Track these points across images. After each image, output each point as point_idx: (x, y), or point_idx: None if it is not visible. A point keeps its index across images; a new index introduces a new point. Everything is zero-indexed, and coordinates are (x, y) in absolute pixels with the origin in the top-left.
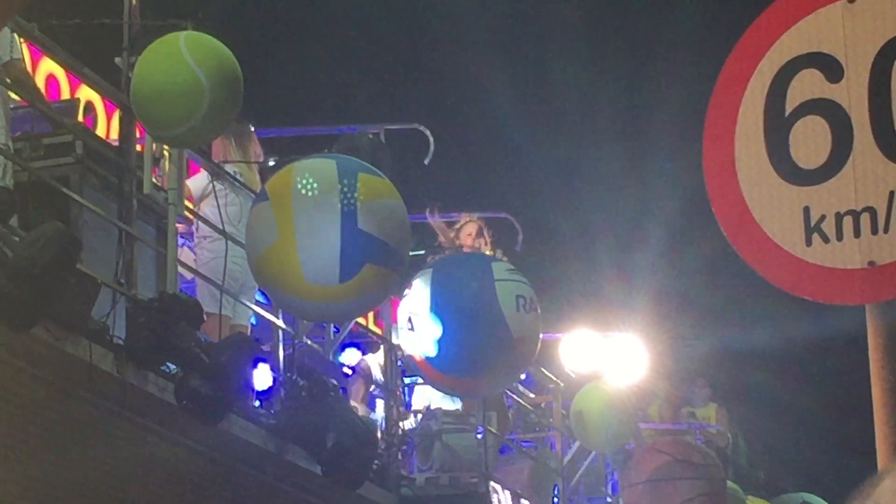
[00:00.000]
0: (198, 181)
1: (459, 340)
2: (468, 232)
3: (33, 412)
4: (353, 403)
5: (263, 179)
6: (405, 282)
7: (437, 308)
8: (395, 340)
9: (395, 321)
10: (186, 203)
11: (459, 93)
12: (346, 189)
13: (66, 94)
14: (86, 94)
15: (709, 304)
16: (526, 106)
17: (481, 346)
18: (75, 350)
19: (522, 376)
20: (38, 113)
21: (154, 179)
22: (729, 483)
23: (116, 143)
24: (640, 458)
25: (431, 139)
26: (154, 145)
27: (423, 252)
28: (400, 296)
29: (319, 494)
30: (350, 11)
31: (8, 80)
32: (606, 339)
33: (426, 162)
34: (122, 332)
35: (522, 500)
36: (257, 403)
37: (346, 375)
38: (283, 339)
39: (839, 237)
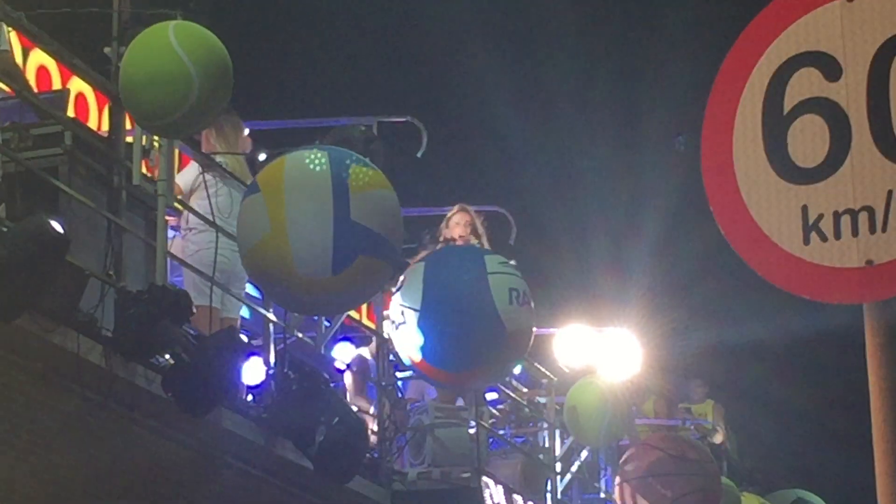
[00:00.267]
0: (187, 175)
1: (452, 334)
2: (456, 221)
3: (20, 404)
4: (351, 398)
5: (254, 172)
6: (398, 274)
7: (430, 301)
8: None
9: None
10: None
11: (453, 86)
12: (338, 180)
13: (57, 86)
14: (77, 85)
15: (703, 299)
16: (520, 99)
17: (474, 340)
18: (63, 341)
19: (517, 371)
20: (26, 103)
21: (145, 171)
22: (724, 479)
23: (106, 134)
24: (635, 453)
25: (424, 132)
26: (144, 136)
27: (414, 245)
28: (393, 289)
29: (310, 489)
30: (343, 3)
31: None
32: (600, 333)
33: (419, 155)
34: (111, 324)
35: (515, 495)
36: (250, 398)
37: (340, 371)
38: (275, 333)
39: (837, 236)
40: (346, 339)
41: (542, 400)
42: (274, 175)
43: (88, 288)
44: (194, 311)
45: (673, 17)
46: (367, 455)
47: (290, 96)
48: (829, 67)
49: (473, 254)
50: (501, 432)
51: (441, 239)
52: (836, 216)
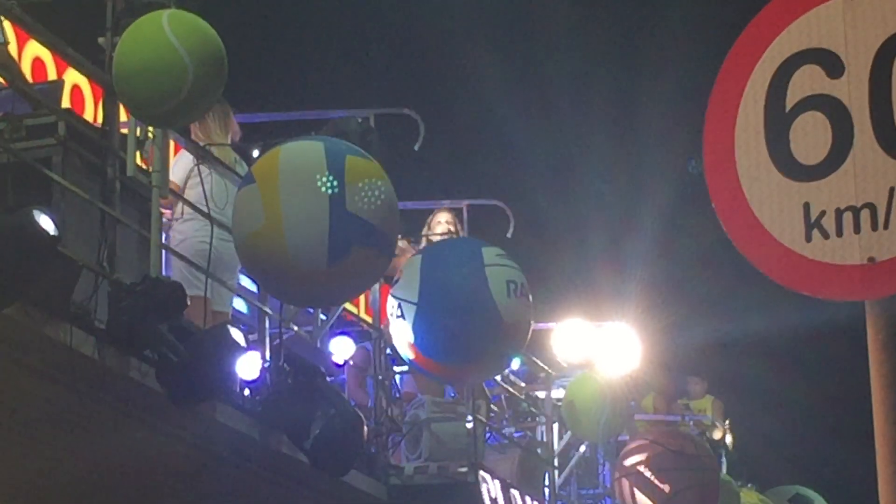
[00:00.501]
0: (178, 169)
1: (448, 326)
2: (438, 220)
3: (11, 396)
4: (351, 392)
5: (248, 163)
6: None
7: (427, 293)
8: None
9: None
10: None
11: (451, 79)
12: (333, 171)
13: (52, 78)
14: (73, 77)
15: (702, 294)
16: (518, 93)
17: (471, 333)
18: (56, 333)
19: (515, 366)
20: (19, 94)
21: (139, 162)
22: (722, 475)
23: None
24: (633, 448)
25: (422, 124)
26: (138, 127)
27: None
28: (390, 282)
29: (305, 483)
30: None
31: None
32: (599, 328)
33: (416, 147)
34: (105, 316)
35: (512, 490)
36: (247, 392)
37: (338, 365)
38: (270, 326)
39: (839, 233)
40: (343, 333)
41: (541, 395)
42: (269, 166)
43: (82, 280)
44: (188, 302)
45: (673, 10)
46: (364, 449)
47: (287, 88)
48: (832, 64)
49: (471, 246)
50: (504, 429)
51: (423, 238)
52: (839, 213)
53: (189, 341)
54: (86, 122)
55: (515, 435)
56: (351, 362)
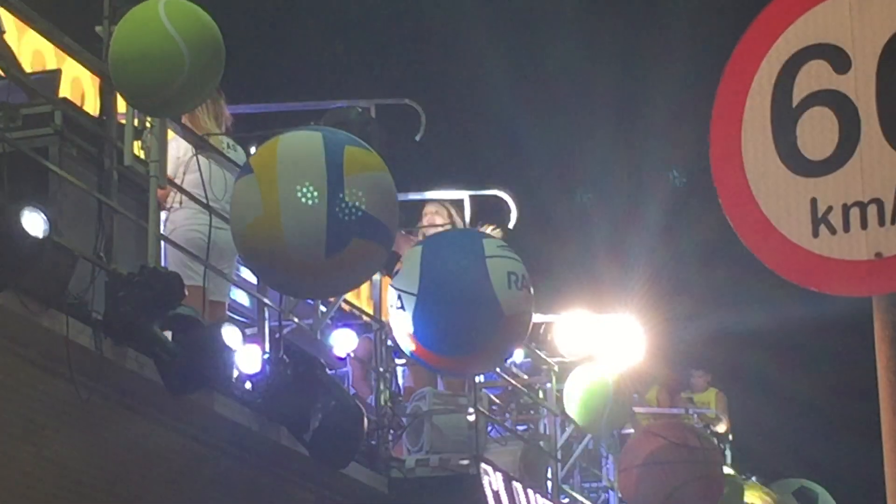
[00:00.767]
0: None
1: (449, 318)
2: (426, 211)
3: (8, 388)
4: (354, 384)
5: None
6: (393, 258)
7: (427, 285)
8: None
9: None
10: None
11: (454, 69)
12: (332, 162)
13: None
14: (73, 70)
15: (706, 287)
16: (521, 84)
17: (472, 324)
18: (52, 324)
19: (519, 359)
20: (15, 83)
21: (138, 152)
22: (726, 468)
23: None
24: (636, 441)
25: (423, 115)
26: (136, 116)
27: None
28: (390, 274)
29: (306, 475)
30: None
31: None
32: (602, 319)
33: (417, 138)
34: (102, 307)
35: (514, 483)
36: (249, 385)
37: (340, 358)
38: (270, 318)
39: (846, 228)
40: (346, 325)
41: (548, 385)
42: (267, 156)
43: (79, 270)
44: (186, 293)
45: (680, 1)
46: (364, 442)
47: (288, 79)
48: (838, 59)
49: (472, 237)
50: (506, 421)
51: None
52: (845, 209)
53: (191, 330)
54: (83, 111)
55: (519, 428)
56: (353, 354)
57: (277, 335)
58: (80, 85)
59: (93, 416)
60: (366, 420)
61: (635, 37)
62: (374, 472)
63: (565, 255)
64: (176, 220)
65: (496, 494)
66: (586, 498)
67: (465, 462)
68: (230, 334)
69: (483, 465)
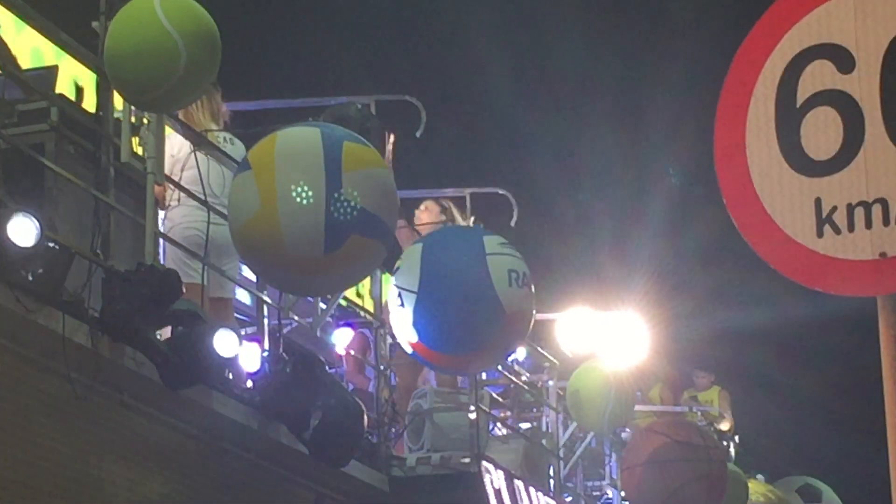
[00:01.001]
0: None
1: (450, 316)
2: (421, 208)
3: (4, 386)
4: (349, 376)
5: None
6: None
7: (428, 283)
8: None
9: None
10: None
11: (457, 66)
12: (330, 157)
13: None
14: (72, 66)
15: (709, 284)
16: (524, 80)
17: (472, 323)
18: (48, 322)
19: (521, 357)
20: (10, 79)
21: (137, 148)
22: (730, 465)
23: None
24: (639, 439)
25: (423, 111)
26: (133, 113)
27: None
28: (390, 270)
29: (306, 474)
30: None
31: None
32: (605, 316)
33: (418, 135)
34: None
35: (516, 481)
36: (250, 384)
37: (341, 357)
38: (269, 315)
39: (850, 228)
40: (347, 324)
41: (550, 383)
42: (265, 152)
43: (76, 268)
44: (184, 290)
45: (683, 2)
46: (365, 440)
47: (288, 75)
48: (842, 60)
49: (472, 234)
50: (505, 415)
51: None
52: (850, 208)
53: (190, 325)
54: (79, 107)
55: (521, 426)
56: (347, 350)
57: (277, 333)
58: (78, 82)
59: (90, 414)
60: (366, 417)
61: (639, 34)
62: (374, 471)
63: (568, 253)
64: (174, 217)
65: (497, 492)
66: (589, 496)
67: (467, 460)
68: (224, 339)
69: (484, 463)
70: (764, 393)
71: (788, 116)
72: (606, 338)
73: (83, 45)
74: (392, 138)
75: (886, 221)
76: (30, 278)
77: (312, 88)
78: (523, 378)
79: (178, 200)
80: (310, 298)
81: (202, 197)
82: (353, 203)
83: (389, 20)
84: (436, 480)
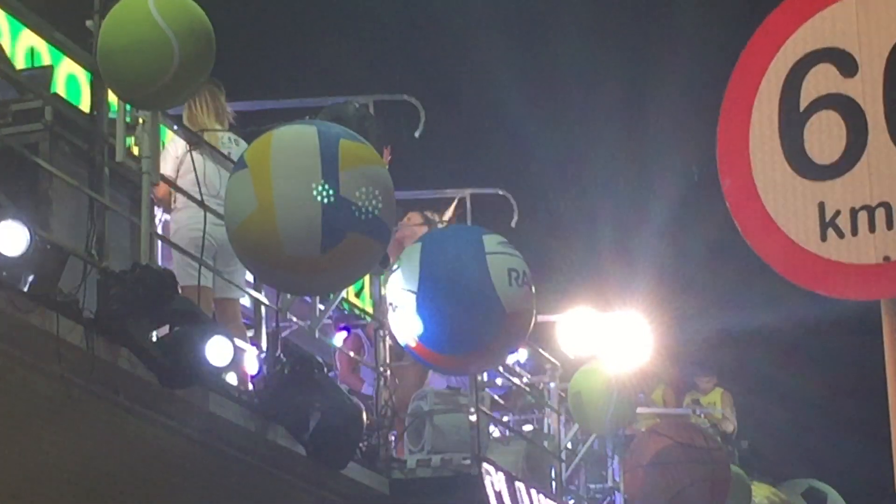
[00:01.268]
0: (167, 161)
1: (449, 316)
2: (403, 220)
3: None
4: (342, 377)
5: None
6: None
7: (427, 283)
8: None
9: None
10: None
11: (458, 66)
12: (327, 155)
13: None
14: (70, 67)
15: (712, 286)
16: (525, 80)
17: (472, 322)
18: (42, 322)
19: (522, 358)
20: (3, 78)
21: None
22: (734, 468)
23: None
24: (642, 441)
25: (422, 111)
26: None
27: None
28: (389, 270)
29: (305, 476)
30: None
31: None
32: (607, 317)
33: (417, 135)
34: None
35: (517, 483)
36: (251, 386)
37: None
38: (268, 317)
39: (854, 232)
40: (346, 328)
41: (552, 385)
42: (261, 151)
43: (72, 269)
44: (180, 290)
45: (687, 2)
46: (365, 442)
47: (286, 75)
48: (845, 63)
49: (471, 234)
50: (505, 419)
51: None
52: (853, 212)
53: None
54: (74, 107)
55: (524, 427)
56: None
57: (276, 335)
58: (75, 83)
59: (85, 416)
60: (364, 419)
61: (642, 34)
62: (374, 473)
63: (570, 255)
64: (179, 220)
65: (498, 494)
66: (592, 499)
67: (467, 462)
68: (217, 346)
69: (485, 465)
70: (768, 395)
71: (792, 120)
72: (608, 339)
73: (78, 45)
74: (389, 150)
75: (890, 225)
76: (24, 287)
77: (312, 88)
78: (524, 380)
79: (176, 202)
80: (307, 299)
81: (206, 198)
82: (349, 201)
83: (389, 20)
84: (436, 483)
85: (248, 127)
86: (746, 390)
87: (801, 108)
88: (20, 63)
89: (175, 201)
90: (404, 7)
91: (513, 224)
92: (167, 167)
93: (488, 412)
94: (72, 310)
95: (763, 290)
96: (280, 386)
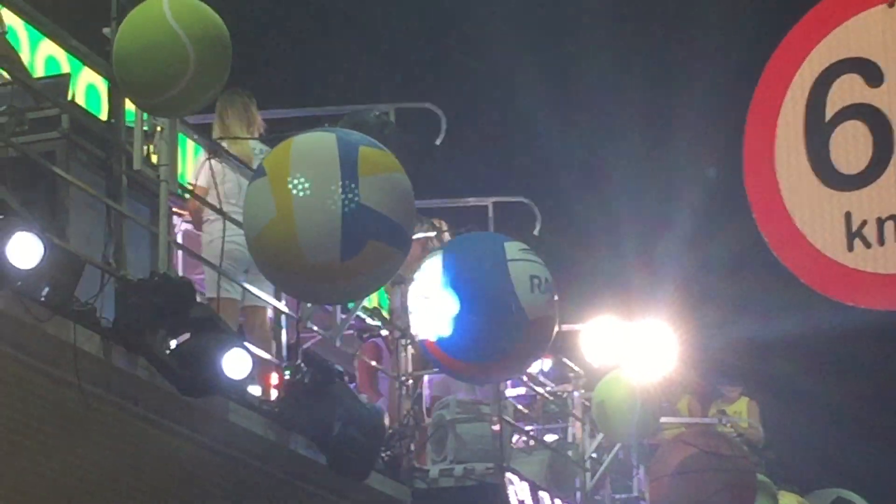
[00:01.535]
0: (202, 169)
1: (472, 323)
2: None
3: (16, 397)
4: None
5: None
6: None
7: (449, 289)
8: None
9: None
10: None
11: (478, 73)
12: (346, 163)
13: None
14: (90, 75)
15: (736, 294)
16: (548, 88)
17: (494, 329)
18: (58, 331)
19: (547, 367)
20: (21, 86)
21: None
22: (760, 476)
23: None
24: (667, 450)
25: (444, 119)
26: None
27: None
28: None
29: (327, 486)
30: None
31: None
32: (631, 327)
33: (437, 142)
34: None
35: (541, 492)
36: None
37: None
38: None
39: (881, 242)
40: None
41: (576, 394)
42: (280, 158)
43: (91, 278)
44: (197, 298)
45: (711, 11)
46: (387, 452)
47: (311, 84)
48: (871, 73)
49: (493, 241)
50: (529, 428)
51: None
52: (880, 222)
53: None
54: (91, 114)
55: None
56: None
57: (297, 345)
58: (94, 92)
59: (103, 426)
60: (385, 430)
61: (667, 42)
62: (397, 483)
63: (594, 263)
64: (213, 231)
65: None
66: None
67: (490, 471)
68: (235, 359)
69: (508, 475)
70: (794, 404)
71: (817, 130)
72: (632, 348)
73: (95, 53)
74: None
75: None
76: (41, 297)
77: (333, 96)
78: (548, 389)
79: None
80: (328, 308)
81: (230, 210)
82: (370, 209)
83: (411, 28)
84: (459, 492)
85: (266, 133)
86: (772, 399)
87: (827, 118)
88: (40, 72)
89: (207, 213)
90: (425, 15)
91: (536, 232)
92: (200, 178)
93: (512, 421)
94: (89, 319)
95: (789, 299)
96: (301, 395)
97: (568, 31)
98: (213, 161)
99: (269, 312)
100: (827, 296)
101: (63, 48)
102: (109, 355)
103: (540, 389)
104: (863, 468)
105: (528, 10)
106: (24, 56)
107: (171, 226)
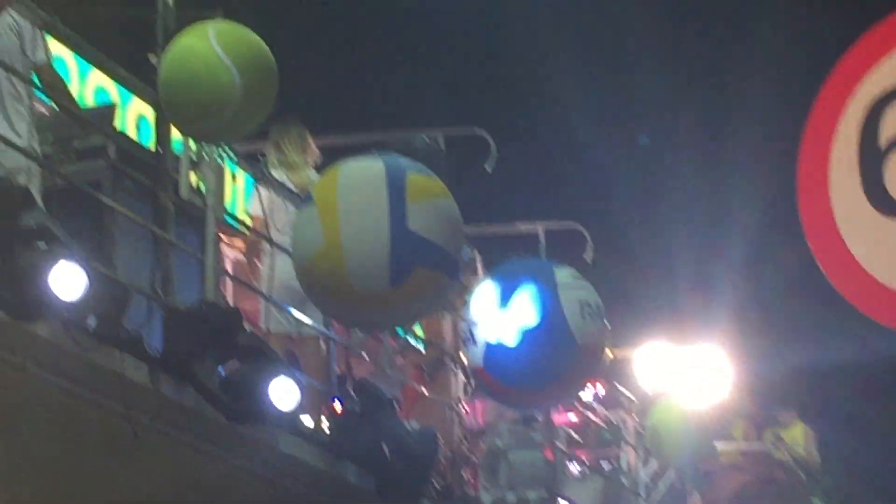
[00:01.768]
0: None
1: (520, 349)
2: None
3: (60, 425)
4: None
5: None
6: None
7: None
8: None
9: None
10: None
11: (528, 97)
12: (394, 189)
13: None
14: (138, 107)
15: (792, 319)
16: (600, 112)
17: (543, 355)
18: (104, 360)
19: (600, 393)
20: (67, 115)
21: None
22: (816, 502)
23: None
24: (722, 477)
25: (493, 144)
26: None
27: None
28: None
29: None
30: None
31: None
32: (684, 351)
33: (487, 168)
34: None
35: None
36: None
37: None
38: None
39: None
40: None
41: (629, 420)
42: (327, 186)
43: (137, 307)
44: (246, 328)
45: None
46: (440, 480)
47: (358, 110)
48: None
49: (543, 266)
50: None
51: None
52: None
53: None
54: (137, 143)
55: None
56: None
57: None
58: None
59: (153, 454)
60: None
61: (722, 67)
62: None
63: (646, 286)
64: (277, 264)
65: None
66: None
67: (543, 498)
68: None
69: (561, 502)
70: (850, 431)
71: (871, 158)
72: (686, 373)
73: (142, 81)
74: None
75: None
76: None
77: (382, 122)
78: (601, 415)
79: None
80: (379, 336)
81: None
82: (417, 234)
83: (461, 52)
84: None
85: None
86: (828, 426)
87: (882, 147)
88: (90, 103)
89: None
90: (475, 39)
91: (587, 258)
92: (257, 208)
93: (564, 449)
94: (137, 348)
95: (845, 326)
96: (352, 424)
97: (620, 53)
98: (269, 191)
99: (321, 342)
100: (886, 325)
101: (111, 77)
102: (157, 384)
103: (593, 416)
104: None
105: (580, 34)
106: (74, 86)
107: (218, 254)
